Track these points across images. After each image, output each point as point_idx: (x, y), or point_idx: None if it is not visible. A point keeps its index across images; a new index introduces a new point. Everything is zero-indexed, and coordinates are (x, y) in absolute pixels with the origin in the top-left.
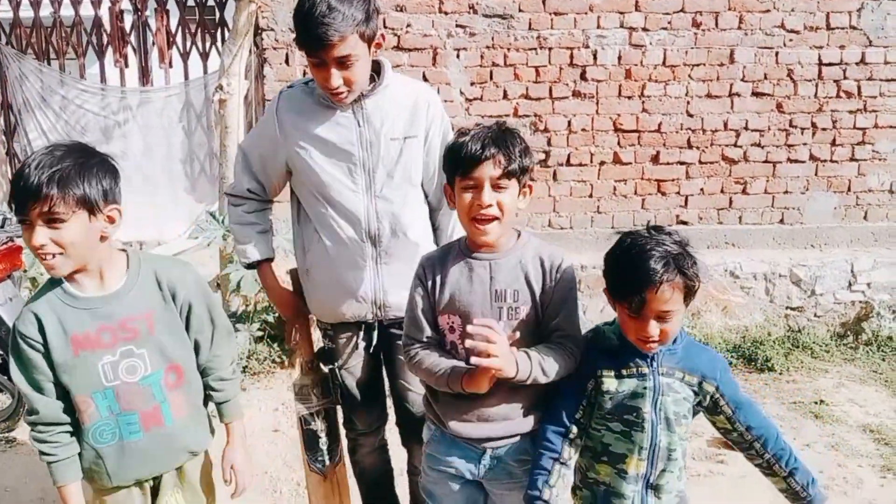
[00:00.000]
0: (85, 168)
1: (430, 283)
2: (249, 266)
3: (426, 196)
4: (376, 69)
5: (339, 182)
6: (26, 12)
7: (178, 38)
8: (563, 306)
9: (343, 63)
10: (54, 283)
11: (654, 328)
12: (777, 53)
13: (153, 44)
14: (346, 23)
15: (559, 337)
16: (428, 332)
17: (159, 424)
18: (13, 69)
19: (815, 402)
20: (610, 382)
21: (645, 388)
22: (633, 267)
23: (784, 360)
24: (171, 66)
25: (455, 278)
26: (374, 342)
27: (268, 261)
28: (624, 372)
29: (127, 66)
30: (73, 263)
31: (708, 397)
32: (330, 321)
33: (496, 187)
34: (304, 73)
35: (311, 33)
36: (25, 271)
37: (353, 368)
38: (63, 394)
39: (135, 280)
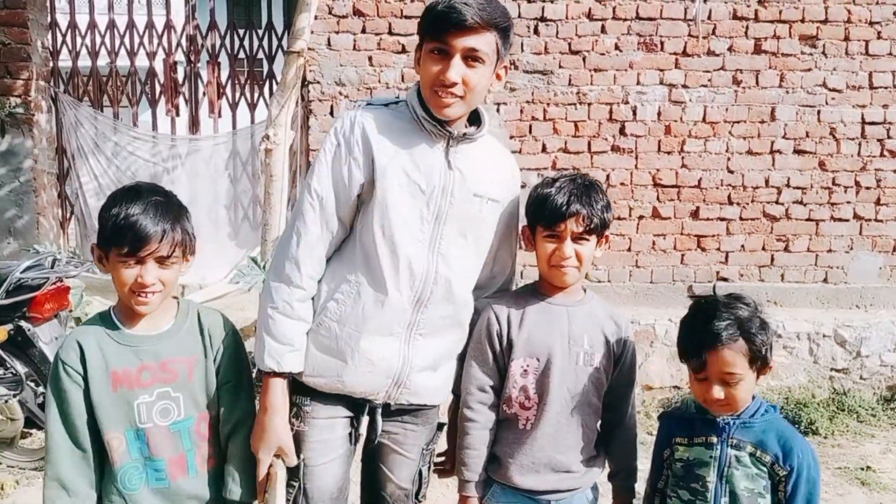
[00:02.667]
0: (184, 211)
1: (505, 325)
2: (271, 374)
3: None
4: (476, 116)
5: (407, 226)
6: (84, 62)
7: (228, 90)
8: (631, 374)
9: (471, 58)
10: (104, 317)
11: (717, 391)
12: (819, 112)
13: (204, 94)
14: (492, 15)
15: (616, 428)
16: (494, 380)
17: (184, 474)
18: (69, 116)
19: (862, 468)
20: (682, 450)
21: (711, 456)
22: (697, 327)
23: (829, 424)
24: (219, 115)
25: (534, 319)
26: (377, 430)
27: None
28: (695, 440)
29: (178, 115)
30: (161, 302)
31: (778, 482)
32: (324, 391)
33: (577, 240)
34: None
35: (451, 10)
36: (71, 311)
37: (326, 465)
38: (92, 440)
39: (182, 324)
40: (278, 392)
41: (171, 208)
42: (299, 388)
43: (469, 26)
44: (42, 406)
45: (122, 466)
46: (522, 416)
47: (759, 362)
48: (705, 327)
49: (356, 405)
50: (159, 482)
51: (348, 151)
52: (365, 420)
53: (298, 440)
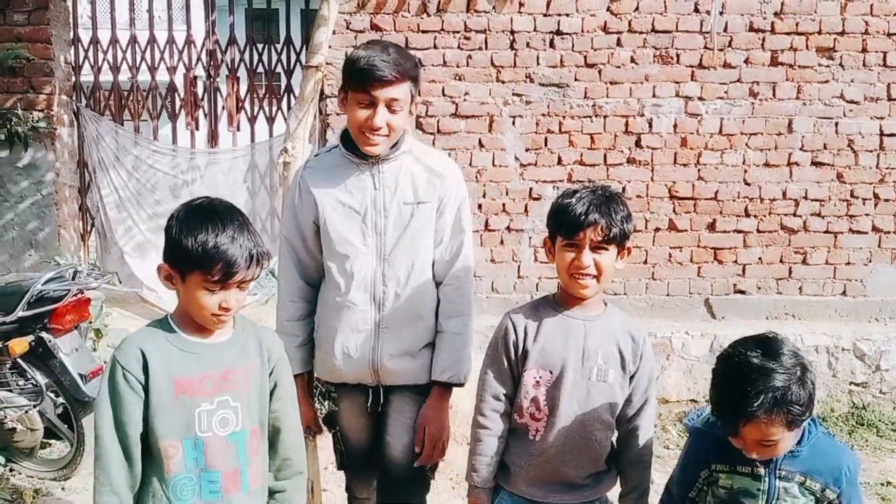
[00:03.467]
0: (254, 228)
1: (521, 335)
2: None
3: (433, 267)
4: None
5: (350, 242)
6: (106, 77)
7: (247, 103)
8: (647, 390)
9: (391, 107)
10: (163, 323)
11: (756, 453)
12: (837, 123)
13: (223, 108)
14: (404, 68)
15: (629, 445)
16: (508, 389)
17: (237, 489)
18: (90, 129)
19: (882, 484)
20: (724, 478)
21: (759, 489)
22: (726, 391)
23: (848, 438)
24: (238, 129)
25: (550, 331)
26: (379, 405)
27: (300, 375)
28: (739, 468)
29: (198, 128)
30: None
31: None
32: (334, 381)
33: (596, 250)
34: None
35: (373, 68)
36: (91, 322)
37: (354, 432)
38: (145, 449)
39: (241, 334)
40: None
41: (250, 230)
42: (329, 381)
43: (388, 80)
44: (62, 416)
45: (175, 475)
46: (532, 427)
47: (802, 419)
48: (739, 400)
49: (362, 389)
50: (212, 495)
51: (299, 198)
52: (371, 398)
53: (334, 418)
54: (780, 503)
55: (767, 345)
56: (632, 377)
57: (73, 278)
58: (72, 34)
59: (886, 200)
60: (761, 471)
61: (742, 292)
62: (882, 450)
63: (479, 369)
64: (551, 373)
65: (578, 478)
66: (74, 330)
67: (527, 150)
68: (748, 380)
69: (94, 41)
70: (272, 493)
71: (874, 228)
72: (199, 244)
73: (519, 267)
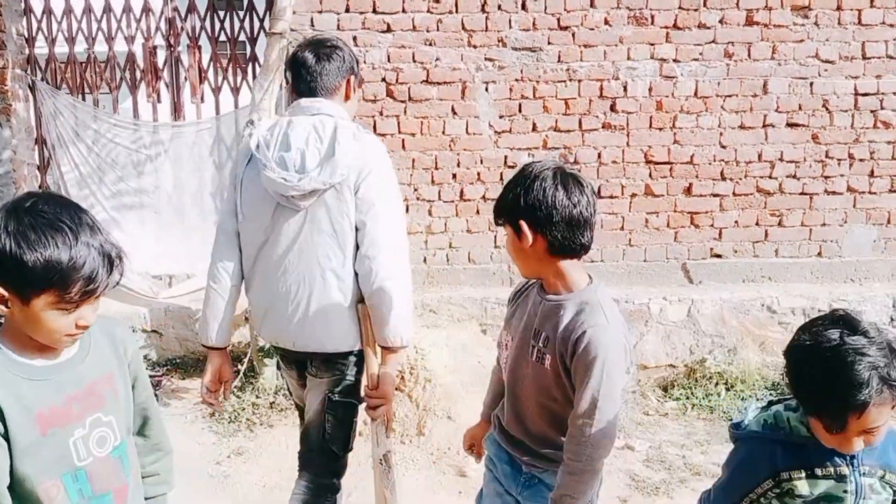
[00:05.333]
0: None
1: (513, 295)
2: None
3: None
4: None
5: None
6: (61, 48)
7: (210, 74)
8: (587, 391)
9: None
10: None
11: (858, 444)
12: (812, 84)
13: (185, 79)
14: (332, 82)
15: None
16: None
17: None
18: (47, 104)
19: None
20: (801, 485)
21: (845, 491)
22: (829, 383)
23: None
24: (202, 100)
25: (522, 299)
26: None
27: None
28: (819, 472)
29: (159, 101)
30: None
31: None
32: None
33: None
34: None
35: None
36: None
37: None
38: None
39: (88, 338)
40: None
41: (99, 227)
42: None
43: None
44: None
45: None
46: (505, 382)
47: None
48: (841, 387)
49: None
50: None
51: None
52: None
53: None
54: (866, 502)
55: (847, 322)
56: (568, 372)
57: None
58: (23, 4)
59: (861, 160)
60: (845, 470)
61: (719, 256)
62: None
63: None
64: (511, 340)
65: (538, 444)
66: None
67: (501, 116)
68: (845, 364)
69: (48, 11)
70: (145, 477)
71: (849, 189)
72: (46, 261)
73: (496, 237)
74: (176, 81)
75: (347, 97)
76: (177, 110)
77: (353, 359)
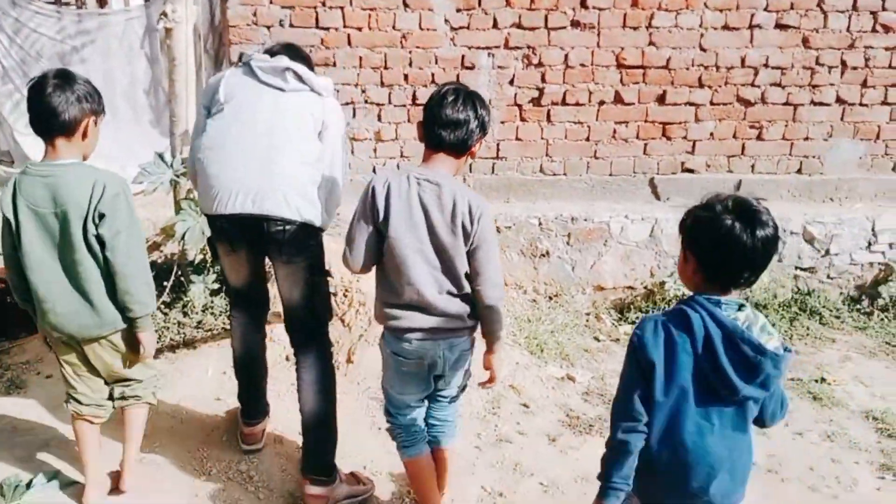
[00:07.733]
0: None
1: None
2: None
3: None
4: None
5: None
6: None
7: None
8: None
9: None
10: None
11: None
12: None
13: None
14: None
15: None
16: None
17: None
18: None
19: (816, 381)
20: None
21: None
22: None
23: (788, 327)
24: None
25: None
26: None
27: None
28: None
29: None
30: None
31: None
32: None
33: None
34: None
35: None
36: None
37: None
38: None
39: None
40: None
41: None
42: None
43: None
44: None
45: None
46: None
47: None
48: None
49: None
50: None
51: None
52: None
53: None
54: None
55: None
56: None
57: None
58: None
59: (854, 69)
60: None
61: (690, 171)
62: (822, 339)
63: None
64: None
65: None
66: None
67: (458, 10)
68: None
69: None
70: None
71: (838, 100)
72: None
73: None
74: None
75: None
76: None
77: (319, 238)
